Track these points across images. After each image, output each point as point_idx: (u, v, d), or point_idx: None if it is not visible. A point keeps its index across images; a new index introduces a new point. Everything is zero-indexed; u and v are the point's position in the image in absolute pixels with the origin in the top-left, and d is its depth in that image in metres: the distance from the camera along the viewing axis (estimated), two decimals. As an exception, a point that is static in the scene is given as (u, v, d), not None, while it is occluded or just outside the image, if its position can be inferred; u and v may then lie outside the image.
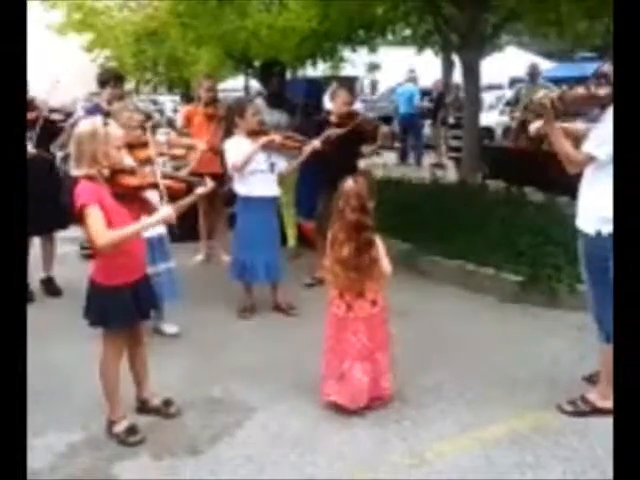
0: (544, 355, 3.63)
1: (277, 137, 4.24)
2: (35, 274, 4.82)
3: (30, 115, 4.32)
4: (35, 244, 4.81)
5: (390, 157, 11.03)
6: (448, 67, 12.89)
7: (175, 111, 10.07)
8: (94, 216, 2.56)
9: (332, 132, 4.47)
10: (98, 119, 2.70)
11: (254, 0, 7.08)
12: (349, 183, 3.01)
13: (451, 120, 10.81)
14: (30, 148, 4.03)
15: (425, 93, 12.54)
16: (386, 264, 2.94)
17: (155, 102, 9.70)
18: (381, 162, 8.77)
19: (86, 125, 2.65)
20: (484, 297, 4.57)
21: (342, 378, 2.97)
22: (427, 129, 12.42)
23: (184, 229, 5.01)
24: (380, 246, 2.97)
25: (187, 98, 12.03)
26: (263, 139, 4.18)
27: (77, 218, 2.64)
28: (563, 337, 3.85)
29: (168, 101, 11.22)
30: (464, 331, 4.04)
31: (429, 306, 4.49)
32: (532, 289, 4.41)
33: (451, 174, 8.87)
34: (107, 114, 3.65)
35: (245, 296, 4.44)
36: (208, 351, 3.83)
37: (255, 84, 13.34)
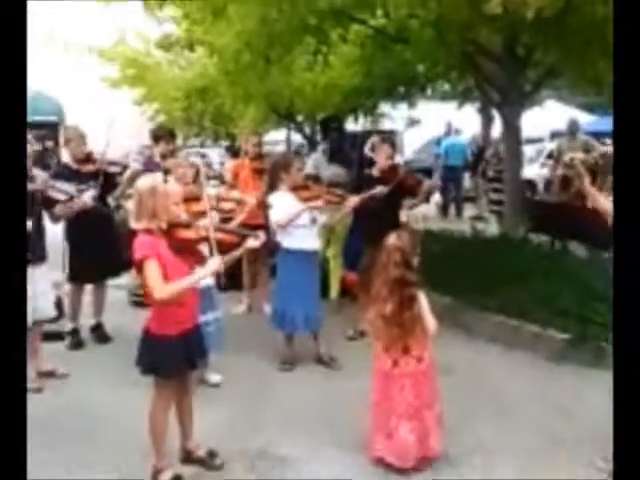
0: (589, 415, 3.53)
1: (320, 202, 4.32)
2: (85, 320, 4.99)
3: (90, 168, 4.58)
4: (87, 291, 4.99)
5: (430, 209, 11.07)
6: (487, 121, 13.02)
7: (221, 164, 10.44)
8: (152, 269, 2.68)
9: (377, 192, 4.57)
10: (158, 175, 2.86)
11: (299, 59, 7.38)
12: (392, 238, 3.05)
13: (490, 173, 10.83)
14: (90, 200, 4.24)
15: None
16: (431, 321, 2.95)
17: (203, 155, 10.09)
18: (421, 214, 8.82)
19: (146, 181, 2.81)
20: (529, 354, 4.48)
21: (390, 436, 2.96)
22: (466, 181, 12.46)
23: (228, 278, 5.13)
24: (424, 302, 2.99)
25: (232, 151, 12.45)
26: (311, 204, 4.27)
27: (136, 268, 2.78)
28: (610, 398, 3.73)
29: (215, 154, 11.67)
30: (508, 389, 3.97)
31: (472, 362, 4.43)
32: (579, 348, 4.31)
33: (492, 227, 8.83)
34: (166, 171, 3.85)
35: (286, 347, 4.48)
36: (251, 402, 3.86)
37: (296, 137, 13.75)
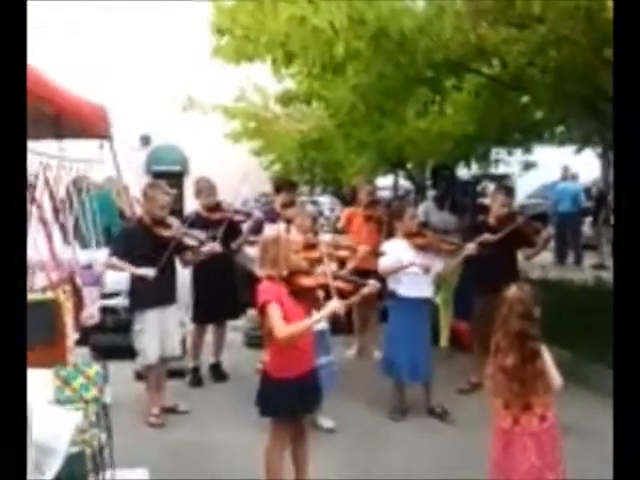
0: None
1: (428, 261, 4.29)
2: (206, 359, 5.26)
3: (218, 216, 4.92)
4: (208, 331, 5.27)
5: (546, 256, 10.58)
6: (608, 164, 12.35)
7: (332, 210, 10.76)
8: (274, 313, 2.85)
9: (490, 236, 4.50)
10: (281, 226, 3.05)
11: (411, 108, 7.46)
12: (513, 290, 2.97)
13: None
14: (219, 247, 4.53)
15: (583, 191, 12.06)
16: (556, 377, 2.81)
17: (314, 202, 10.44)
18: (538, 262, 8.47)
19: (271, 232, 3.03)
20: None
21: (510, 498, 2.82)
22: (587, 228, 11.82)
23: (339, 322, 5.22)
24: (548, 357, 2.87)
25: (342, 199, 12.78)
26: (415, 263, 4.22)
27: (259, 312, 2.95)
28: None
29: (326, 201, 12.04)
30: None
31: (596, 423, 4.12)
32: None
33: (616, 277, 8.26)
34: (289, 221, 4.07)
35: (396, 395, 4.43)
36: (362, 450, 3.85)
37: (404, 182, 13.80)
